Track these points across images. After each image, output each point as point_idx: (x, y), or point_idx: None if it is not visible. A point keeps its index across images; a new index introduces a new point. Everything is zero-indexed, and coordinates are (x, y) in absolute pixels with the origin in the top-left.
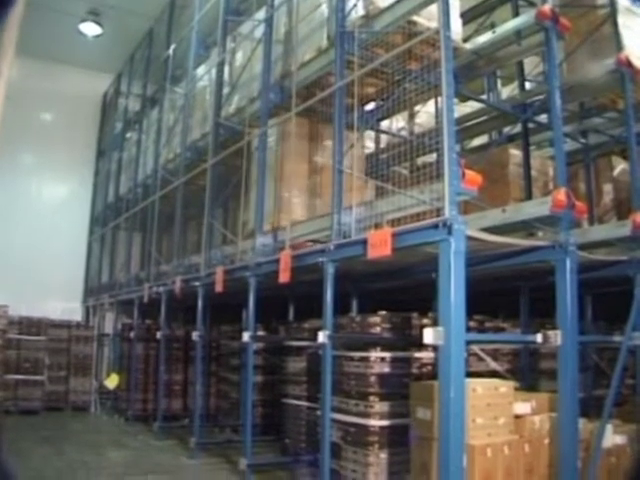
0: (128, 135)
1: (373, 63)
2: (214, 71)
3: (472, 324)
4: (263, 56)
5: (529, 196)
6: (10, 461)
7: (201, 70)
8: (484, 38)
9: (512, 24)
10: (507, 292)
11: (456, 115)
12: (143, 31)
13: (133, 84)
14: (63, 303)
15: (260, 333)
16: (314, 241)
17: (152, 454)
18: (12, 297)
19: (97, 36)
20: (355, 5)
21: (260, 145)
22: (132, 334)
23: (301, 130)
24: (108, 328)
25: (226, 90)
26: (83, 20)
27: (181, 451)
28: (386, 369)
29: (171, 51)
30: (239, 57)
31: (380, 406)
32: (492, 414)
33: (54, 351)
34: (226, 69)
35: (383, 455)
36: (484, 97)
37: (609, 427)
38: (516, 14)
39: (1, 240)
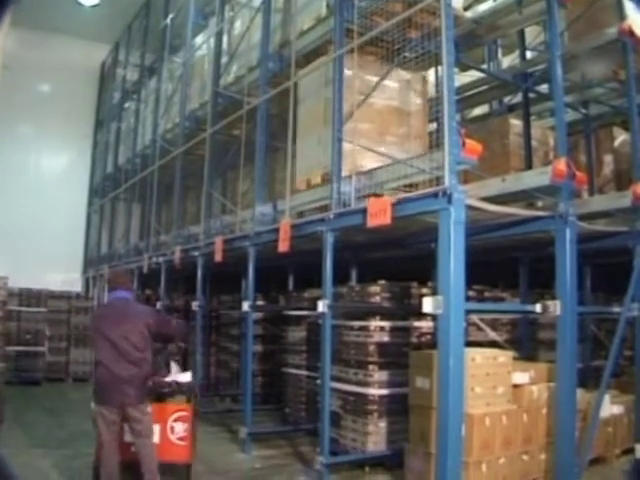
0: (126, 105)
1: (373, 31)
2: (212, 40)
3: (471, 294)
4: (262, 25)
5: (529, 166)
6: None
7: (199, 39)
8: (485, 6)
9: None
10: (507, 262)
11: (456, 84)
12: (141, 0)
13: (131, 54)
14: (63, 274)
15: (260, 303)
16: (377, 195)
17: None
18: (12, 269)
19: (94, 5)
20: None
21: (260, 114)
22: None
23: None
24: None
25: (225, 59)
26: None
27: None
28: (385, 338)
29: (169, 20)
30: (238, 26)
31: (379, 375)
32: (491, 383)
33: (54, 322)
34: (225, 38)
35: (382, 424)
36: (484, 66)
37: (607, 397)
38: None
39: (0, 212)
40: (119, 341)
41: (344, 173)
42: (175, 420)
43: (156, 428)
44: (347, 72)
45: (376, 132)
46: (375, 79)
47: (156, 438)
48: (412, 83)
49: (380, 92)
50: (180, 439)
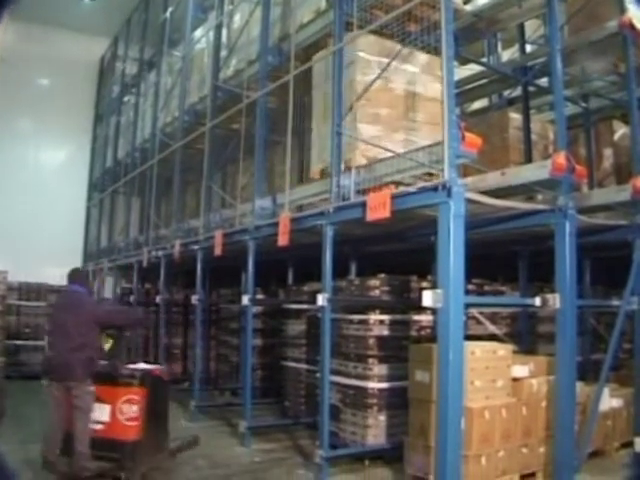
0: (126, 99)
1: (372, 25)
2: (212, 34)
3: (471, 287)
4: (261, 18)
5: (529, 160)
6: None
7: (199, 33)
8: (485, 0)
9: None
10: (506, 256)
11: (456, 78)
12: None
13: (130, 48)
14: (62, 268)
15: (259, 296)
16: (398, 183)
17: None
18: (11, 263)
19: None
20: None
21: (260, 107)
22: (131, 298)
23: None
24: (108, 293)
25: (224, 53)
26: None
27: (181, 414)
28: (385, 332)
29: (168, 14)
30: (237, 19)
31: (379, 369)
32: (490, 377)
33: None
34: (224, 32)
35: (382, 417)
36: (484, 60)
37: (606, 391)
38: None
39: None
40: (65, 326)
41: (362, 160)
42: (124, 402)
43: (107, 408)
44: (365, 55)
45: (395, 117)
46: (395, 63)
47: (106, 417)
48: (432, 67)
49: (400, 76)
50: (128, 419)
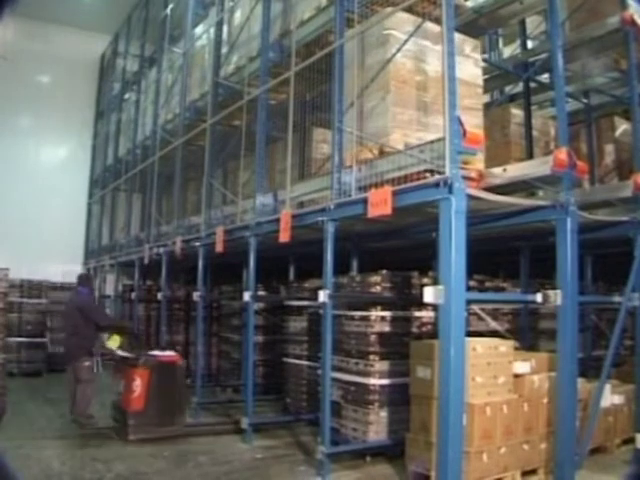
0: (126, 96)
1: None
2: (213, 30)
3: (472, 284)
4: (262, 15)
5: (530, 156)
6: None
7: (199, 29)
8: None
9: None
10: (507, 252)
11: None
12: None
13: (131, 44)
14: (64, 265)
15: (261, 293)
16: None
17: None
18: (13, 260)
19: None
20: None
21: (261, 104)
22: (133, 295)
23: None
24: (109, 290)
25: (225, 49)
26: None
27: None
28: (386, 328)
29: (169, 10)
30: (238, 16)
31: (380, 365)
32: (492, 373)
33: (55, 313)
34: (225, 28)
35: (383, 414)
36: (485, 56)
37: (607, 387)
38: None
39: (0, 203)
40: (67, 318)
41: (398, 145)
42: (131, 380)
43: (122, 384)
44: (398, 34)
45: (429, 101)
46: (429, 44)
47: (121, 390)
48: (464, 48)
49: (435, 58)
50: (133, 394)
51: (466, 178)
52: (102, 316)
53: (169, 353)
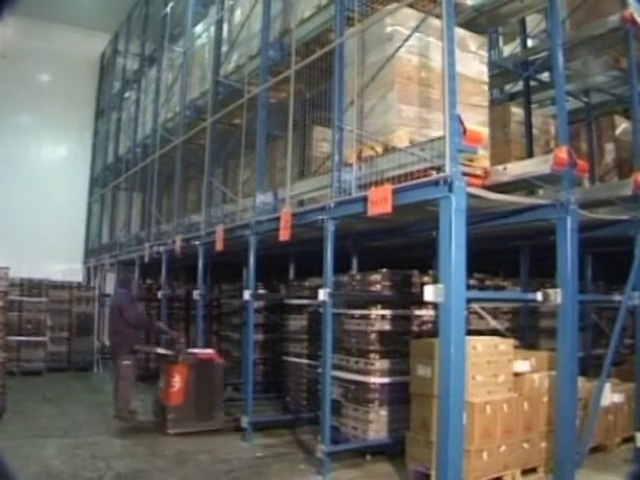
0: (127, 95)
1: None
2: (213, 29)
3: (472, 282)
4: (262, 13)
5: (530, 155)
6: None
7: (200, 28)
8: None
9: None
10: (508, 251)
11: None
12: None
13: (131, 43)
14: (64, 264)
15: (261, 291)
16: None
17: None
18: (13, 259)
19: None
20: None
21: (261, 102)
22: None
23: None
24: (109, 288)
25: (225, 48)
26: None
27: None
28: (386, 327)
29: (169, 9)
30: (238, 14)
31: (380, 364)
32: (492, 372)
33: (56, 312)
34: (225, 27)
35: (383, 412)
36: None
37: (607, 386)
38: None
39: (1, 202)
40: (111, 318)
41: (405, 142)
42: (171, 377)
43: (163, 380)
44: (404, 30)
45: (434, 98)
46: (433, 40)
47: (162, 386)
48: (469, 45)
49: (439, 55)
50: (173, 389)
51: (472, 175)
52: (133, 315)
53: (208, 351)
